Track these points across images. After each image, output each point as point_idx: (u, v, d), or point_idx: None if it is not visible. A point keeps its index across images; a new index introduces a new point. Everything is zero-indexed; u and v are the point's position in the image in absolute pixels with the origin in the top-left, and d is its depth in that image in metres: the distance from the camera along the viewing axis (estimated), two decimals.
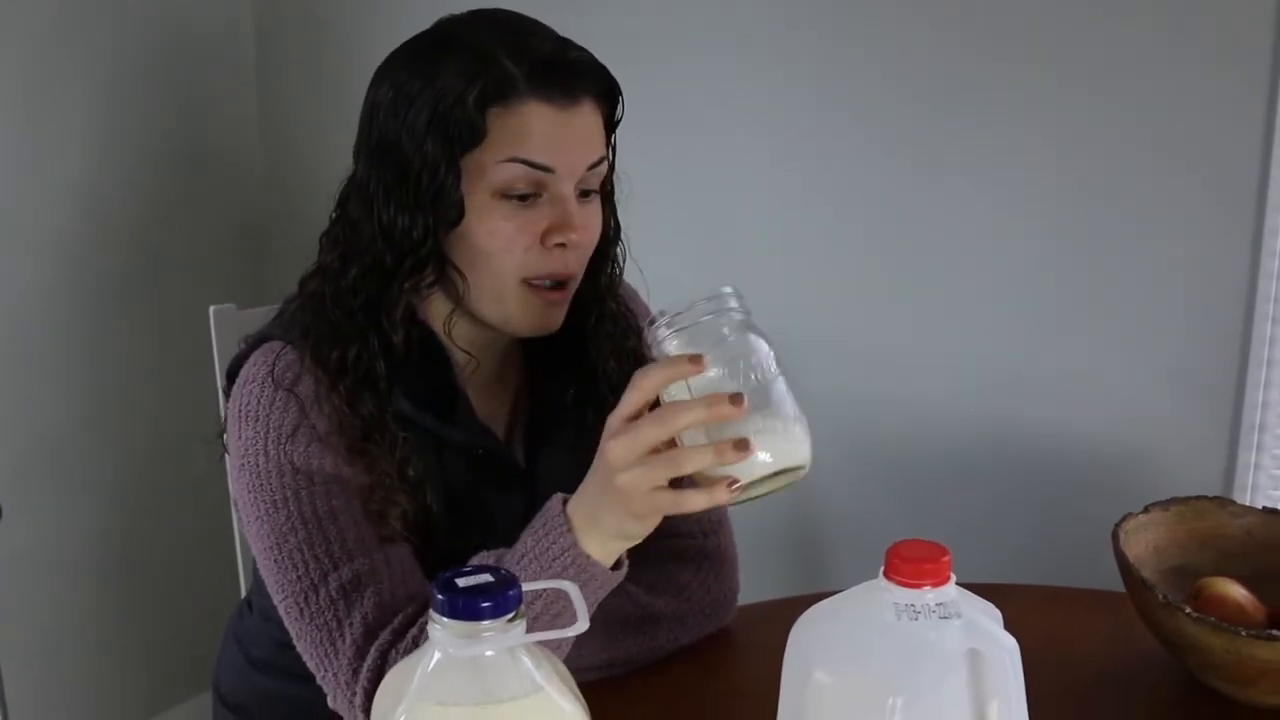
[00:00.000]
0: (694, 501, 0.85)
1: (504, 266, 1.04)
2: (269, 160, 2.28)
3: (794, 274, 1.82)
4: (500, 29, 1.05)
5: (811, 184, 1.80)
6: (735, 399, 0.81)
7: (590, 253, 1.09)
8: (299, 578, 1.00)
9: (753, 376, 0.83)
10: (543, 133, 1.01)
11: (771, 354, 0.85)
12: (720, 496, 0.84)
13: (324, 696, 1.12)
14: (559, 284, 1.06)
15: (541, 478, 1.14)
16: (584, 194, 1.06)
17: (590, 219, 1.07)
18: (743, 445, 0.81)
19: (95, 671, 2.12)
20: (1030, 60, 1.61)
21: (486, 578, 0.66)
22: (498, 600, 0.64)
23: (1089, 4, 1.56)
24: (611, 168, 1.11)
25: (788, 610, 0.82)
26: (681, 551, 1.16)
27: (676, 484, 0.86)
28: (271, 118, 2.26)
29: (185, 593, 2.19)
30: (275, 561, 1.02)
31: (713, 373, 0.83)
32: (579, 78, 1.03)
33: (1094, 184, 1.61)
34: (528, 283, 1.05)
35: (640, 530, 0.91)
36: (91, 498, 2.07)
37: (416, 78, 1.02)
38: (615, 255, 1.16)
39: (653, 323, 0.87)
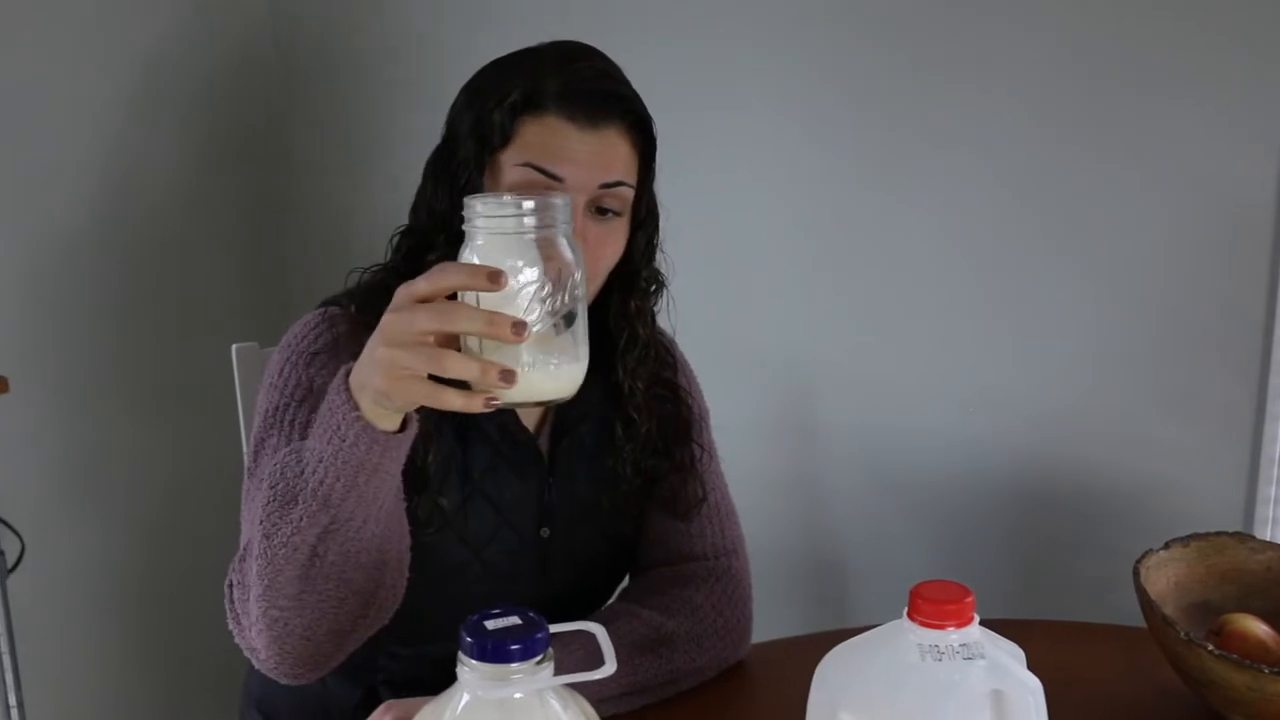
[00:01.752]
0: (450, 400, 0.83)
1: None
2: (284, 163, 2.30)
3: (806, 303, 1.83)
4: (561, 54, 1.12)
5: (815, 209, 1.81)
6: (518, 326, 0.79)
7: (599, 267, 1.11)
8: (256, 480, 1.04)
9: (546, 304, 0.81)
10: (560, 146, 1.06)
11: (576, 279, 0.83)
12: (475, 406, 0.82)
13: (355, 693, 1.20)
14: None
15: (560, 472, 1.18)
16: (600, 211, 1.09)
17: (601, 236, 1.09)
18: (509, 377, 0.80)
19: (115, 701, 2.12)
20: (1035, 81, 1.62)
21: (515, 620, 0.67)
22: (526, 643, 0.65)
23: (1094, 29, 1.57)
24: (640, 195, 1.14)
25: (808, 647, 0.83)
26: (694, 574, 1.19)
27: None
28: (286, 114, 2.29)
29: (208, 622, 2.18)
30: (249, 469, 1.06)
31: (510, 287, 0.80)
32: (605, 106, 1.08)
33: (1110, 217, 1.61)
34: None
35: (396, 404, 0.87)
36: (113, 528, 2.08)
37: (484, 83, 1.12)
38: (644, 281, 1.19)
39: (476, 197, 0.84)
